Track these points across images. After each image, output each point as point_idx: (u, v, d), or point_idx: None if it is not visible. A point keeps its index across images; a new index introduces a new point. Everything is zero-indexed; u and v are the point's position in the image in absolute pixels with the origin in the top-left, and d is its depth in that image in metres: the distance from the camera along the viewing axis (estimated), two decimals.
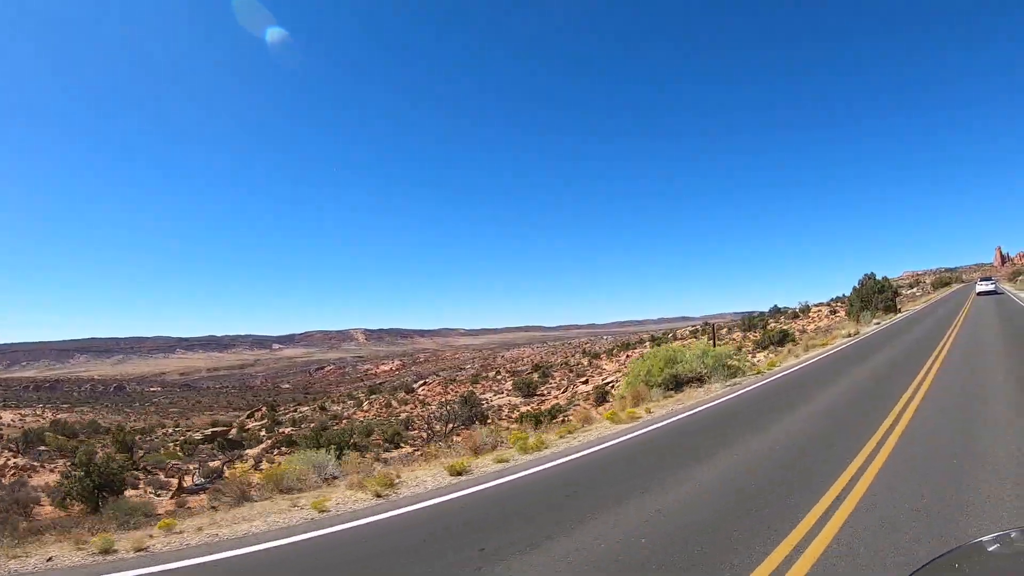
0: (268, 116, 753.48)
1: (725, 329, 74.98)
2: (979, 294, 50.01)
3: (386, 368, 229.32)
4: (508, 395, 55.13)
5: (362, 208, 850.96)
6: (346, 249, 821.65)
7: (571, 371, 63.92)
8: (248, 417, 72.59)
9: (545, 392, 52.53)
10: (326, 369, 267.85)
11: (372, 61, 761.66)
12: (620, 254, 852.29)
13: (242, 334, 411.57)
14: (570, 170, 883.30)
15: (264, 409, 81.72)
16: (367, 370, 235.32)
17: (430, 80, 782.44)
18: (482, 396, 57.92)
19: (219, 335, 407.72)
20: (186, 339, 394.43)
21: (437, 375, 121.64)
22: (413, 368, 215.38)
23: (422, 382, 77.21)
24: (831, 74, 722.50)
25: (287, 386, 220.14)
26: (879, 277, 39.79)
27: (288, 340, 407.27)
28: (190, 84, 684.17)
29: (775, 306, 75.15)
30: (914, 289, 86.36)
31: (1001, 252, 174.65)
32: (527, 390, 52.67)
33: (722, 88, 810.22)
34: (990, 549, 1.69)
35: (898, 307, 43.54)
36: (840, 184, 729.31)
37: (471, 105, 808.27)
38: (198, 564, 5.23)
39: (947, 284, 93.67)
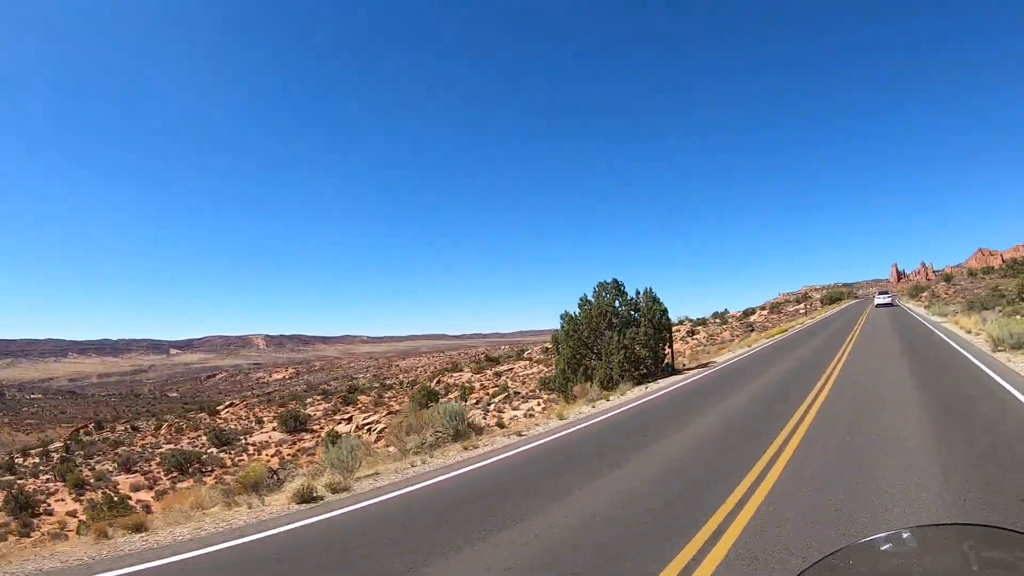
0: (163, 111, 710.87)
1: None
2: (877, 306, 55.15)
3: (279, 376, 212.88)
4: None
5: (262, 211, 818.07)
6: (247, 252, 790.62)
7: (381, 392, 51.77)
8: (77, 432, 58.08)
9: (318, 427, 40.06)
10: (218, 376, 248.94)
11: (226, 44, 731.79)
12: (526, 262, 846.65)
13: (138, 338, 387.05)
14: (478, 176, 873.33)
15: (90, 426, 68.77)
16: (259, 378, 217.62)
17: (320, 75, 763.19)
18: (252, 427, 44.96)
19: (114, 339, 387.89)
20: (79, 342, 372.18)
21: (327, 384, 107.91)
22: (306, 377, 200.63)
23: (229, 403, 62.92)
24: (713, 88, 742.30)
25: (175, 394, 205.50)
26: (636, 292, 19.60)
27: (186, 345, 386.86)
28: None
29: None
30: (801, 306, 79.72)
31: (897, 268, 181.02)
32: (294, 424, 39.97)
33: (584, 94, 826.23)
34: (882, 548, 1.73)
35: (730, 346, 34.14)
36: (743, 201, 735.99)
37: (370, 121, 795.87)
38: None
39: (838, 300, 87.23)
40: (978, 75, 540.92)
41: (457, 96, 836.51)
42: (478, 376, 48.82)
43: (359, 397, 50.12)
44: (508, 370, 48.66)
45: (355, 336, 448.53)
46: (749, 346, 30.07)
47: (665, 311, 18.60)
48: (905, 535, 1.79)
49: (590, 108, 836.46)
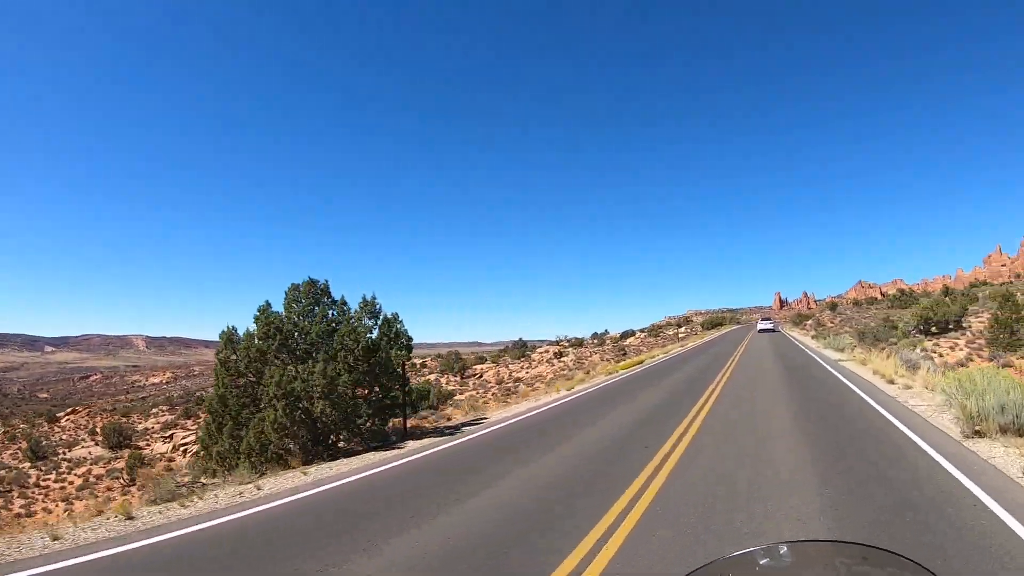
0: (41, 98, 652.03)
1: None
2: (760, 331, 58.51)
3: (156, 380, 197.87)
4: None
5: (145, 205, 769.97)
6: (128, 249, 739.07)
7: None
8: None
9: (144, 443, 36.57)
10: (92, 378, 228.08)
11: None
12: (414, 269, 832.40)
13: (11, 333, 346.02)
14: (369, 177, 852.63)
15: None
16: (135, 381, 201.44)
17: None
18: (80, 438, 40.54)
19: None
20: None
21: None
22: (184, 381, 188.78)
23: (71, 409, 56.69)
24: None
25: (45, 395, 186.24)
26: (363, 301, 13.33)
27: (62, 343, 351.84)
28: None
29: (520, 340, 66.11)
30: (681, 329, 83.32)
31: (780, 297, 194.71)
32: (118, 438, 36.24)
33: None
34: (761, 561, 1.73)
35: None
36: (635, 223, 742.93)
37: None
38: None
39: (719, 325, 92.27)
40: (855, 109, 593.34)
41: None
42: None
43: (201, 411, 46.53)
44: None
45: None
46: (582, 385, 22.38)
47: (400, 333, 12.91)
48: (783, 550, 1.80)
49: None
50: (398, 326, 13.01)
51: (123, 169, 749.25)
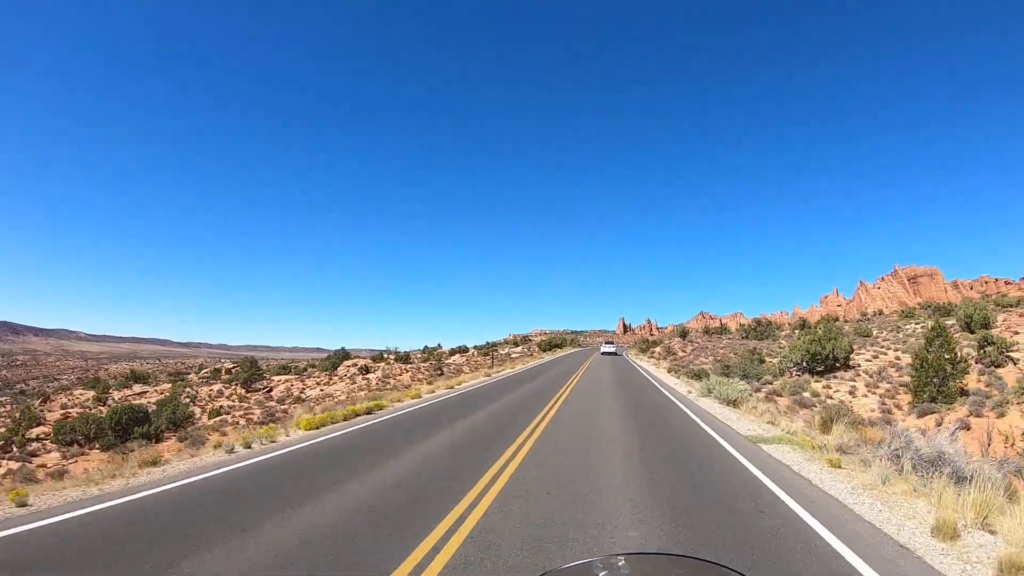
0: None
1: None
2: (603, 353, 60.53)
3: None
4: None
5: None
6: None
7: None
8: None
9: None
10: None
11: None
12: (268, 273, 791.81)
13: None
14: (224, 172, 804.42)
15: None
16: None
17: None
18: None
19: None
20: None
21: None
22: (4, 372, 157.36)
23: None
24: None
25: None
26: None
27: None
28: None
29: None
30: (519, 348, 78.94)
31: (624, 322, 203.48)
32: None
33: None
34: (599, 573, 1.72)
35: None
36: (484, 235, 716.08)
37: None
38: None
39: (557, 346, 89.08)
40: (696, 153, 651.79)
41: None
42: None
43: None
44: None
45: (72, 331, 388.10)
46: (340, 426, 13.12)
47: None
48: (620, 562, 1.79)
49: None
50: None
51: None
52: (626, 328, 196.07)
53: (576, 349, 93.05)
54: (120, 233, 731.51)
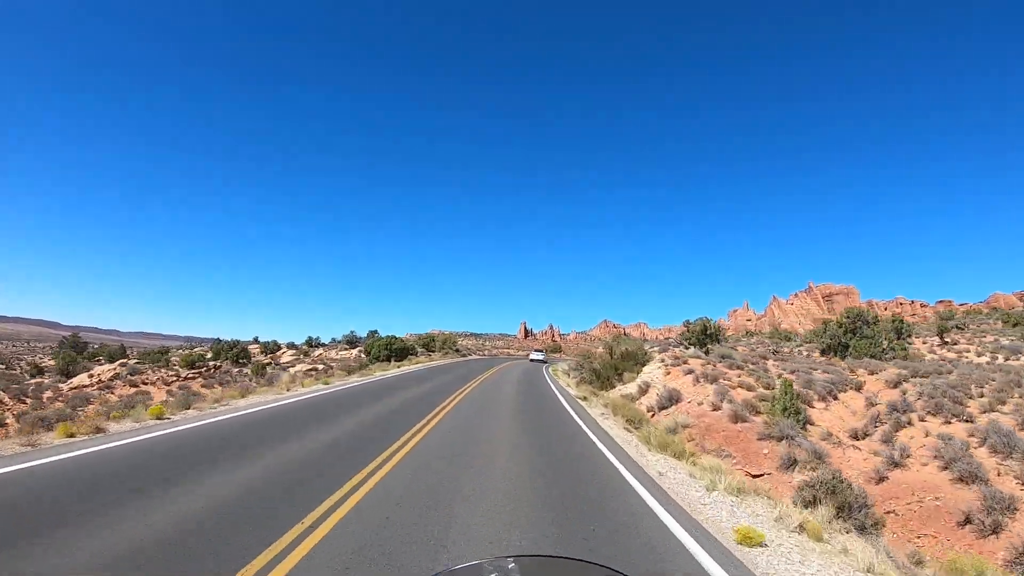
0: None
1: None
2: (531, 360, 61.24)
3: None
4: None
5: None
6: None
7: None
8: None
9: None
10: None
11: None
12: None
13: None
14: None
15: None
16: None
17: None
18: None
19: None
20: None
21: None
22: None
23: None
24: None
25: None
26: None
27: None
28: None
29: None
30: (353, 352, 48.49)
31: (526, 326, 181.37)
32: None
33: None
34: (490, 575, 1.73)
35: None
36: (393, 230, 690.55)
37: None
38: None
39: (411, 354, 57.95)
40: (613, 173, 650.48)
41: None
42: None
43: None
44: None
45: None
46: None
47: None
48: (510, 564, 1.78)
49: None
50: None
51: None
52: (527, 333, 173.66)
53: (453, 360, 59.32)
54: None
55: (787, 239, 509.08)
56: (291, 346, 67.83)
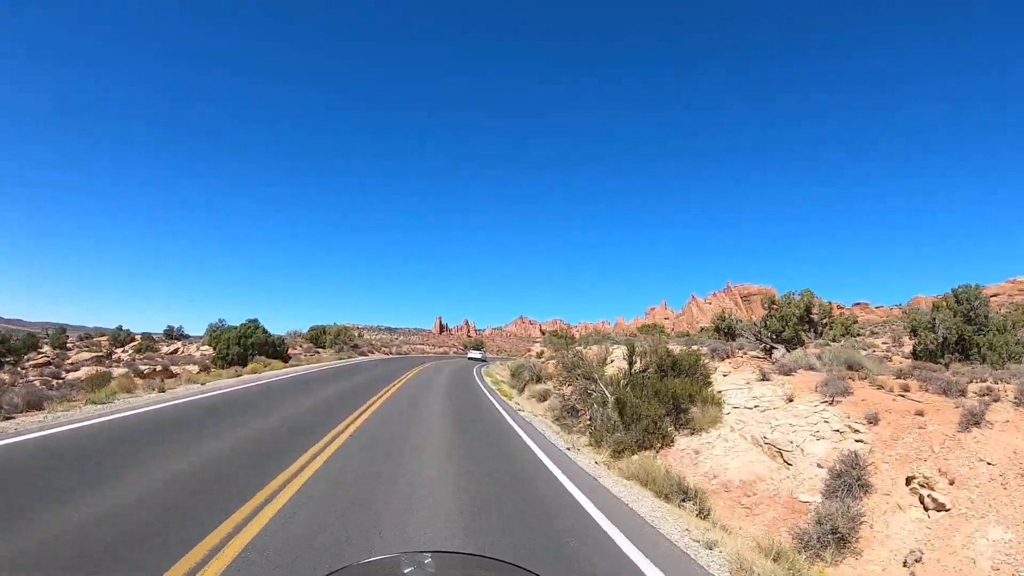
0: None
1: None
2: (470, 359, 62.63)
3: None
4: None
5: None
6: None
7: None
8: None
9: None
10: None
11: None
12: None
13: None
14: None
15: None
16: None
17: None
18: None
19: None
20: None
21: None
22: None
23: None
24: None
25: None
26: None
27: None
28: None
29: None
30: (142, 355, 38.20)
31: (441, 321, 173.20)
32: None
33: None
34: (405, 570, 1.73)
35: None
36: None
37: None
38: None
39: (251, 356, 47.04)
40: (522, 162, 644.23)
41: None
42: None
43: None
44: None
45: None
46: None
47: None
48: (427, 559, 1.79)
49: None
50: None
51: None
52: (442, 328, 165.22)
53: (334, 364, 39.77)
54: None
55: (706, 239, 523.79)
56: (146, 337, 56.18)
